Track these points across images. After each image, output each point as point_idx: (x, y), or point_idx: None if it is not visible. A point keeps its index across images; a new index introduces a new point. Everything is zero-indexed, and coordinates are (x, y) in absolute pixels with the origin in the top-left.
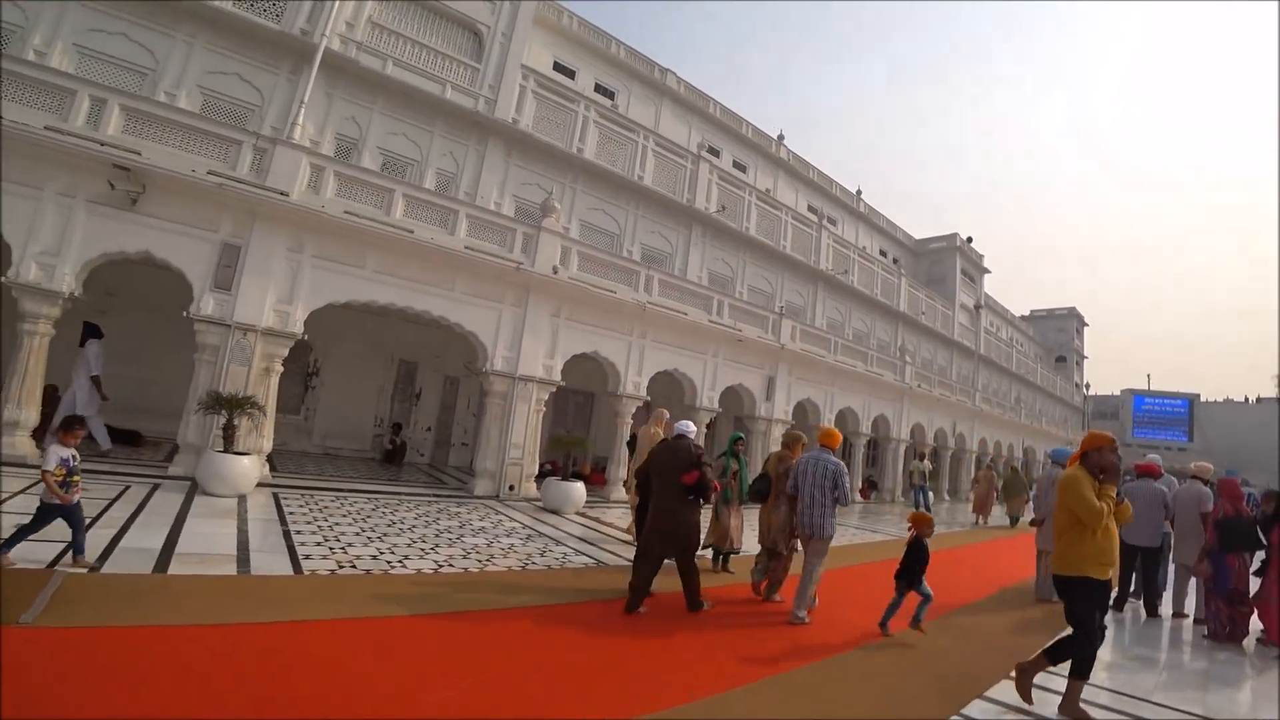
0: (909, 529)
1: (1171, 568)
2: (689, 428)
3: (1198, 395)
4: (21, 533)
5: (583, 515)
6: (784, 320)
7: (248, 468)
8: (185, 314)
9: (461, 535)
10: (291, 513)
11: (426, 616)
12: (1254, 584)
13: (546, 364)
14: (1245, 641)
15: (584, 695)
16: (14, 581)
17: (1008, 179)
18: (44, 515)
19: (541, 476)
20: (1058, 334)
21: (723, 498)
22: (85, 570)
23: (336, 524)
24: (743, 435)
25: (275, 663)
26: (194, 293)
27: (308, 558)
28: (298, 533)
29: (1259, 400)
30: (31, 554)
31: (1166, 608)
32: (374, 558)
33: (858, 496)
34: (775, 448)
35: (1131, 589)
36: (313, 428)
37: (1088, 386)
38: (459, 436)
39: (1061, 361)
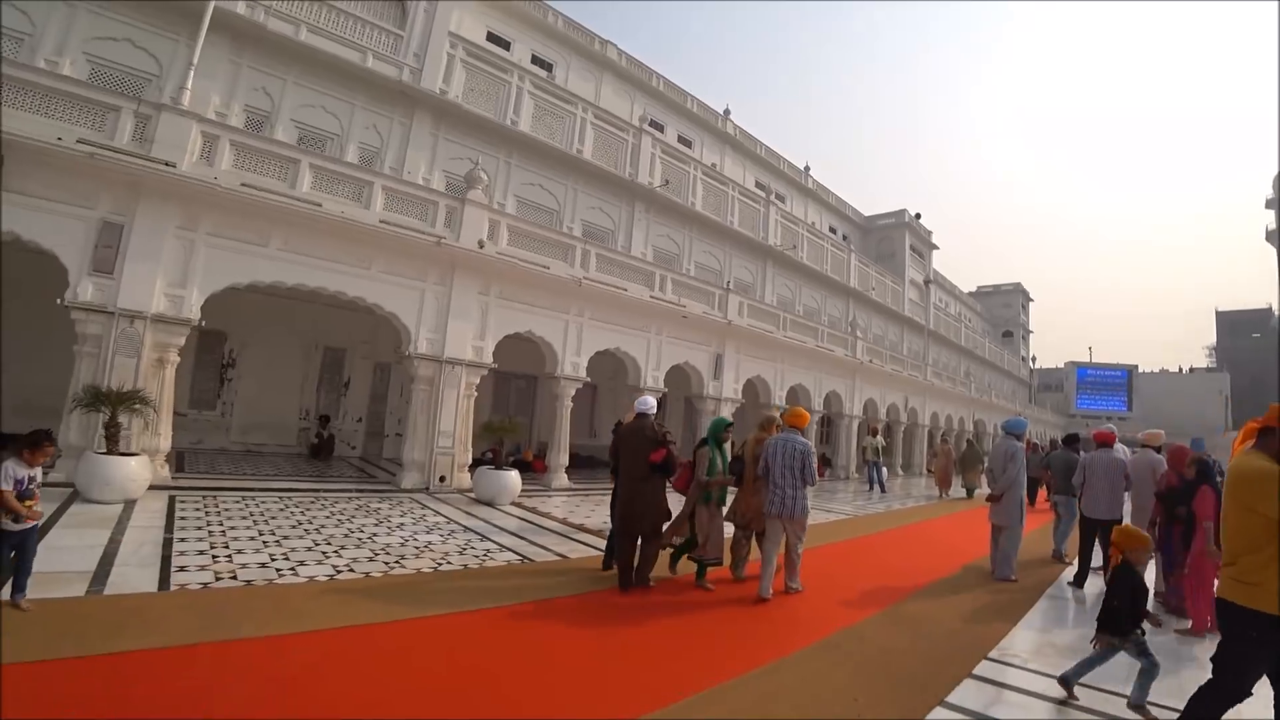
0: (1112, 552)
1: None
2: (649, 406)
3: (1136, 366)
4: None
5: (519, 506)
6: (731, 296)
7: (135, 470)
8: (60, 302)
9: (375, 535)
10: (184, 518)
11: (287, 637)
12: None
13: (476, 345)
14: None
15: None
16: None
17: (957, 160)
18: None
19: (481, 466)
20: (1004, 309)
21: (703, 498)
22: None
23: (234, 528)
24: (731, 421)
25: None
26: (70, 278)
27: (182, 569)
28: (181, 540)
29: (1191, 370)
30: None
31: None
32: (262, 566)
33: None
34: None
35: (1094, 564)
36: (231, 423)
37: (1034, 360)
38: (392, 427)
39: (1008, 336)
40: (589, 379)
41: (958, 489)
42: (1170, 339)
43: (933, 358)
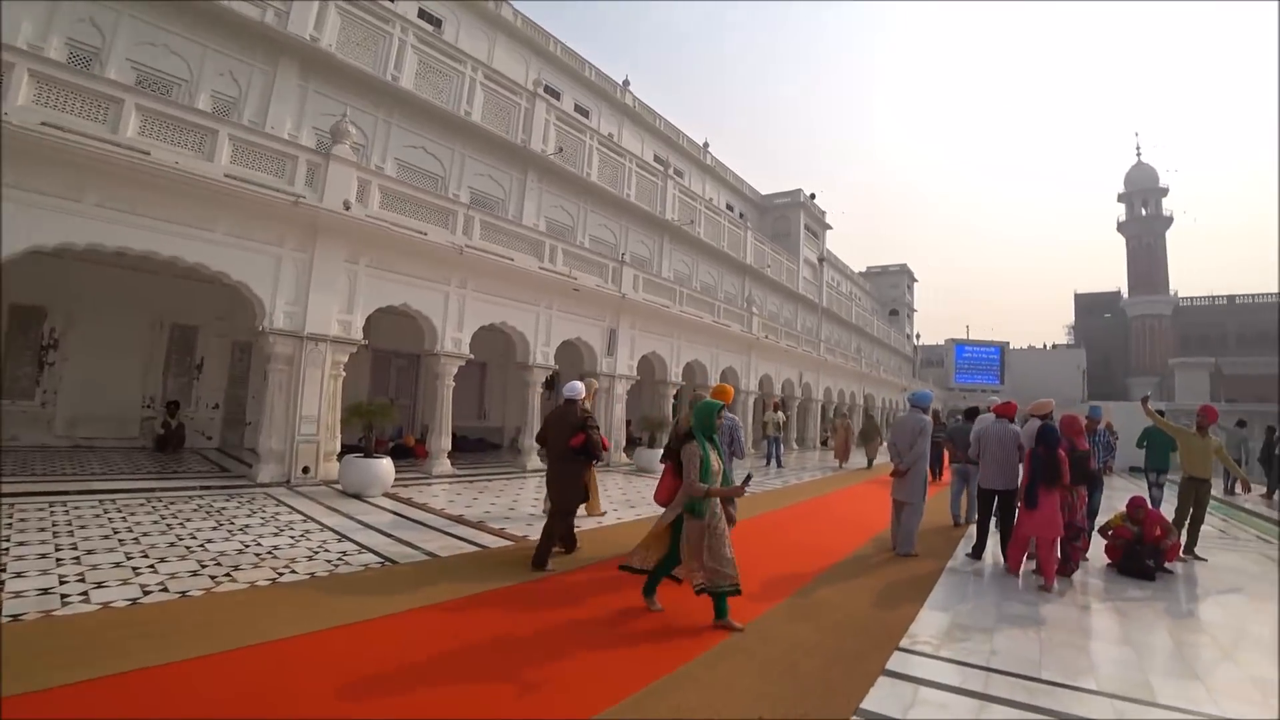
0: None
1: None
2: (577, 391)
3: (1007, 343)
4: None
5: (392, 498)
6: (626, 269)
7: None
8: None
9: (210, 541)
10: None
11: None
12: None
13: (343, 320)
14: (1074, 575)
15: None
16: None
17: (852, 143)
18: None
19: (352, 452)
20: (891, 289)
21: (692, 509)
22: None
23: (22, 544)
24: (723, 405)
25: None
26: None
27: None
28: None
29: (1054, 347)
30: None
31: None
32: (43, 593)
33: None
34: (619, 406)
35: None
36: (54, 415)
37: (918, 337)
38: (254, 413)
39: (894, 314)
40: (476, 357)
41: (855, 460)
42: (1036, 317)
43: (825, 334)
